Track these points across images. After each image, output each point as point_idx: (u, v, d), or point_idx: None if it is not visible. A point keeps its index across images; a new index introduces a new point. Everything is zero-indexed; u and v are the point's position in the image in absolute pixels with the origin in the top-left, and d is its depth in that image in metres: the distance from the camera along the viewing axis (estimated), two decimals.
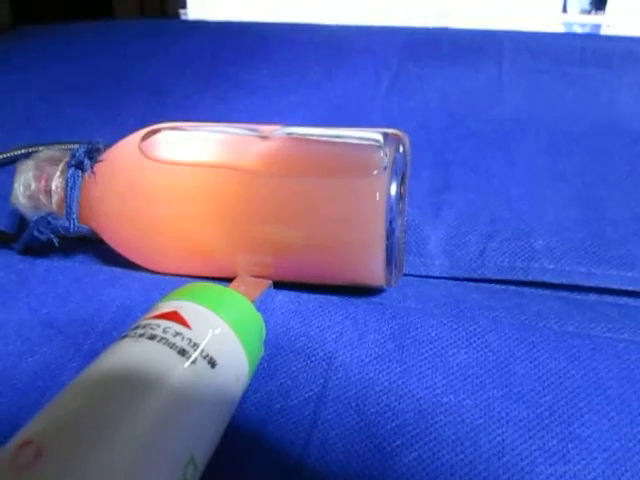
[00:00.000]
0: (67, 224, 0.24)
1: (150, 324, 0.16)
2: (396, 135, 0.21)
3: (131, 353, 0.15)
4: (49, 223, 0.24)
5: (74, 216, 0.23)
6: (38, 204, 0.25)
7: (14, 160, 0.31)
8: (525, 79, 0.31)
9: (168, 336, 0.15)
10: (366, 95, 0.33)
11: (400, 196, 0.20)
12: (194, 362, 0.15)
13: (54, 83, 0.39)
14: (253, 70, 0.36)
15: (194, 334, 0.16)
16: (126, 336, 0.16)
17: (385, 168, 0.20)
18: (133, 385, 0.14)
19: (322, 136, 0.22)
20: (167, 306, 0.17)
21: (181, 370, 0.15)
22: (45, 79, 0.39)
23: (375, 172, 0.20)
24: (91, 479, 0.12)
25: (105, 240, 0.25)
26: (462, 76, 0.32)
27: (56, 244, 0.24)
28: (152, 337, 0.15)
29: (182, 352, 0.15)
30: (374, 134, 0.21)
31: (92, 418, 0.13)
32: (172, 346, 0.15)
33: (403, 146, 0.21)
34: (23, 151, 0.32)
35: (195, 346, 0.15)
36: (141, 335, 0.15)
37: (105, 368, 0.15)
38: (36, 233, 0.24)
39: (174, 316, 0.16)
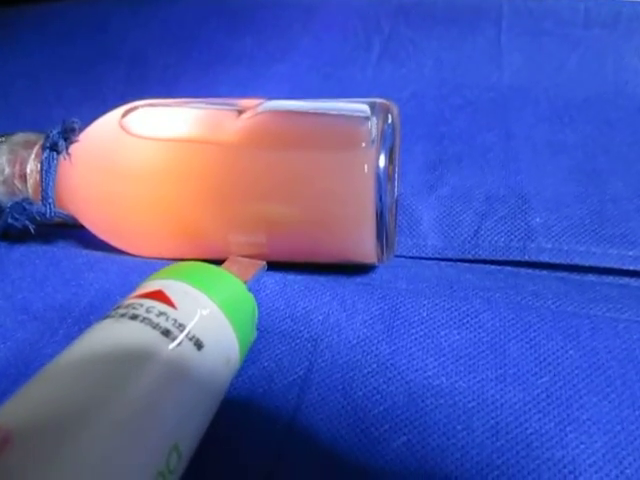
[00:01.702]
0: (43, 209, 0.23)
1: (133, 304, 0.15)
2: (384, 105, 0.20)
3: (111, 334, 0.14)
4: (24, 209, 0.23)
5: (50, 201, 0.23)
6: (13, 189, 0.24)
7: None
8: (525, 41, 0.30)
9: (151, 316, 0.14)
10: (357, 62, 0.31)
11: (390, 169, 0.19)
12: (179, 344, 0.14)
13: (32, 59, 0.38)
14: (237, 39, 0.34)
15: (180, 314, 0.15)
16: (107, 316, 0.15)
17: (373, 141, 0.19)
18: (112, 368, 0.13)
19: (307, 109, 0.21)
20: (152, 285, 0.16)
21: (165, 352, 0.14)
22: (22, 55, 0.38)
23: (363, 144, 0.19)
24: (64, 467, 0.11)
25: (85, 225, 0.24)
26: (458, 39, 0.30)
27: (32, 231, 0.23)
28: (134, 317, 0.14)
29: (166, 333, 0.14)
30: (361, 105, 0.20)
31: (68, 403, 0.12)
32: (155, 326, 0.14)
33: (392, 116, 0.20)
34: None
35: (181, 327, 0.14)
36: (122, 315, 0.14)
37: (83, 350, 0.14)
38: (11, 220, 0.23)
39: (159, 295, 0.15)
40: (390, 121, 0.20)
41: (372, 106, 0.20)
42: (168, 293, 0.15)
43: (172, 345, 0.14)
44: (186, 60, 0.35)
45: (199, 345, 0.14)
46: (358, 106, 0.20)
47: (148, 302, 0.15)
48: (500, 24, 0.31)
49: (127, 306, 0.15)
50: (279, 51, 0.34)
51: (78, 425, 0.11)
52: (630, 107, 0.26)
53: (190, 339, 0.14)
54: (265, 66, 0.33)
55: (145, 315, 0.14)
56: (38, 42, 0.38)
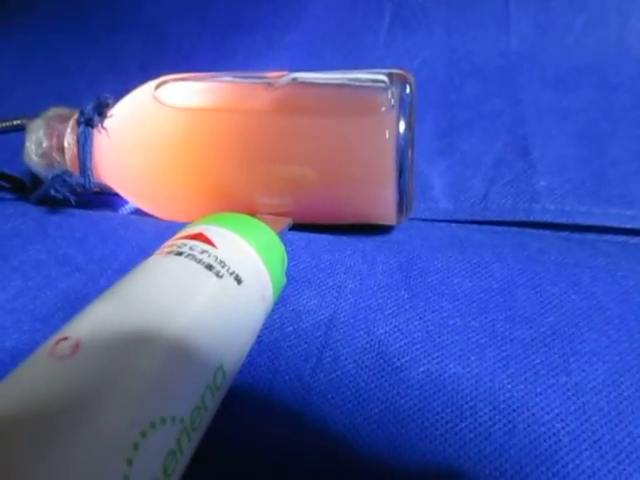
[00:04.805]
0: (82, 181, 0.24)
1: (176, 243, 0.16)
2: (402, 75, 0.21)
3: (160, 267, 0.16)
4: (65, 181, 0.24)
5: (89, 173, 0.24)
6: (51, 161, 0.25)
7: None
8: (533, 6, 0.30)
9: (195, 253, 0.16)
10: (369, 30, 0.32)
11: (409, 134, 0.20)
12: (221, 277, 0.15)
13: (49, 30, 0.38)
14: (251, 6, 0.35)
15: (220, 252, 0.16)
16: (154, 254, 0.16)
17: (392, 107, 0.20)
18: (165, 296, 0.14)
19: (330, 80, 0.23)
20: (193, 229, 0.17)
21: (209, 283, 0.15)
22: (40, 25, 0.38)
23: (383, 110, 0.20)
24: (126, 373, 0.12)
25: (121, 193, 0.25)
26: (467, 5, 0.30)
27: (73, 202, 0.24)
28: (179, 253, 0.16)
29: (209, 267, 0.15)
30: (380, 75, 0.22)
31: (128, 321, 0.13)
32: (199, 261, 0.15)
33: (409, 85, 0.21)
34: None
35: (222, 263, 0.16)
36: (169, 252, 0.16)
37: (138, 279, 0.15)
38: (53, 192, 0.24)
39: (200, 237, 0.17)
40: (408, 90, 0.21)
41: (390, 76, 0.22)
42: (208, 235, 0.17)
43: (215, 278, 0.15)
44: (201, 28, 0.36)
45: (238, 280, 0.16)
46: (377, 76, 0.22)
47: (191, 242, 0.16)
48: None
49: (171, 245, 0.16)
50: (293, 19, 0.34)
51: (138, 339, 0.13)
52: (632, 71, 0.27)
53: (230, 274, 0.16)
54: (279, 34, 0.34)
55: (189, 252, 0.16)
56: (54, 13, 0.39)
